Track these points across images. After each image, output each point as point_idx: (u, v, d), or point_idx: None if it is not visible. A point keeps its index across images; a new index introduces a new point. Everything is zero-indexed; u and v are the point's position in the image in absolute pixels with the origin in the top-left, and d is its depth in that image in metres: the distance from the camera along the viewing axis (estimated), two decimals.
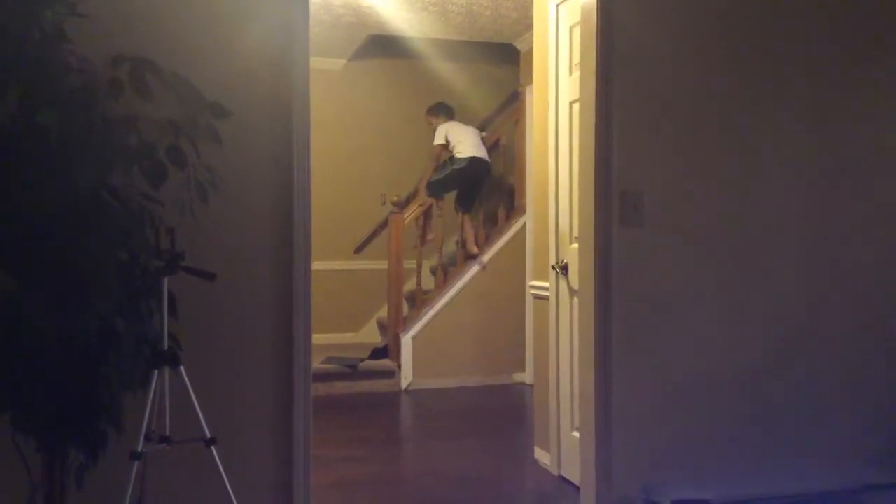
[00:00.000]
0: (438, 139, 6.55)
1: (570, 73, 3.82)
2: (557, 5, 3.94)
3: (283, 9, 2.87)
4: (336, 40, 6.89)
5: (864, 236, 3.55)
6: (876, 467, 3.50)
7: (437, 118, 6.68)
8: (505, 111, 7.33)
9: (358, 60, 7.47)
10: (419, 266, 6.72)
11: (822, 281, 3.49)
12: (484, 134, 6.84)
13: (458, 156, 6.47)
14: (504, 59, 7.33)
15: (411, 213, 6.69)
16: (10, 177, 2.13)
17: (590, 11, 3.22)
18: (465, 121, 7.09)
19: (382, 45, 7.15)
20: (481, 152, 6.51)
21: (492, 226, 6.82)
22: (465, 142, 6.48)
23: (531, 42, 4.52)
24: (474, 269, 6.58)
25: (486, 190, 6.78)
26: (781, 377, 3.41)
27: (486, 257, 6.62)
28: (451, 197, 6.76)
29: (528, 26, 5.17)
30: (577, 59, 3.61)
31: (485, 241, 6.65)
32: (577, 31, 3.59)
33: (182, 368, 2.48)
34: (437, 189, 6.56)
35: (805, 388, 3.45)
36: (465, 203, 6.65)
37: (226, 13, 2.81)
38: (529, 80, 4.87)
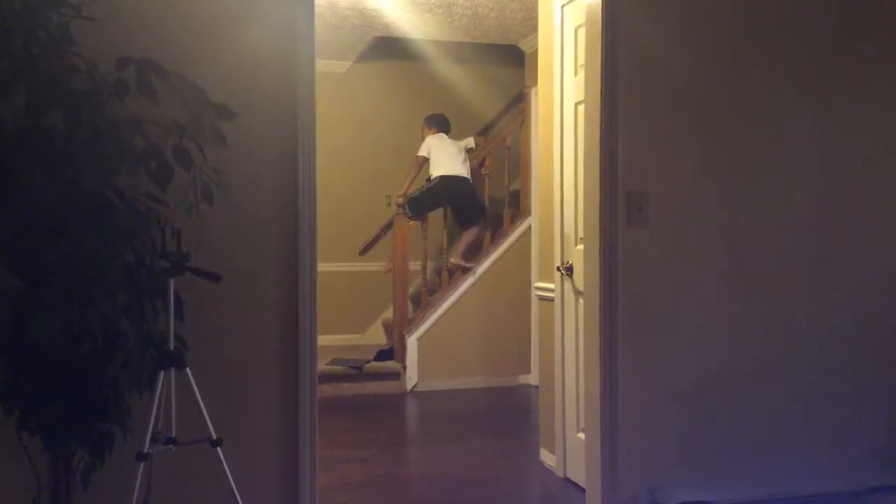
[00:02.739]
0: (422, 151, 6.57)
1: (576, 74, 3.82)
2: (563, 6, 3.93)
3: (289, 10, 2.87)
4: (341, 42, 6.91)
5: (870, 237, 3.53)
6: (882, 469, 3.48)
7: (428, 129, 6.69)
8: (510, 112, 7.34)
9: (363, 62, 7.48)
10: (424, 268, 6.71)
11: (828, 281, 3.47)
12: (471, 146, 6.79)
13: (431, 175, 6.51)
14: (509, 60, 7.33)
15: None
16: (17, 178, 2.14)
17: (595, 12, 3.22)
18: (470, 122, 7.09)
19: (388, 47, 7.16)
20: (458, 170, 6.48)
21: (496, 228, 6.81)
22: (440, 163, 6.47)
23: (536, 43, 4.52)
24: (479, 270, 6.58)
25: (480, 205, 6.74)
26: (787, 378, 3.40)
27: (488, 262, 6.58)
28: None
29: (534, 28, 5.18)
30: (582, 60, 3.60)
31: (490, 244, 6.64)
32: (582, 33, 3.59)
33: (188, 369, 2.49)
34: (414, 209, 6.51)
35: (811, 389, 3.44)
36: (459, 220, 6.69)
37: (231, 15, 2.81)
38: (534, 82, 4.86)
